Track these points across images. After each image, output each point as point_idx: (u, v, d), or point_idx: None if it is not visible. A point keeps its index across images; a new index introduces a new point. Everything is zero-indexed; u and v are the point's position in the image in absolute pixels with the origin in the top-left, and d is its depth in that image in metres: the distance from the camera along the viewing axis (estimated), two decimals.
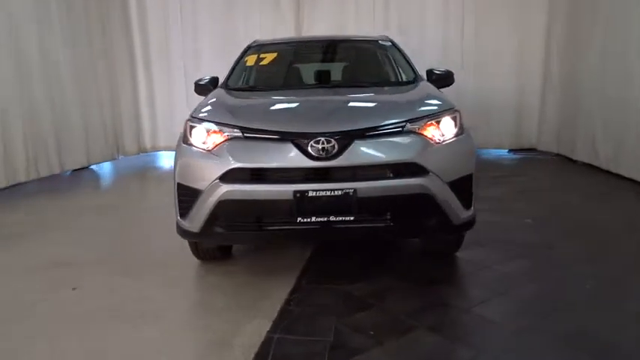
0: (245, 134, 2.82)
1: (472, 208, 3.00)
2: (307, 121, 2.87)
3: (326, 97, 3.43)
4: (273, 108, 3.29)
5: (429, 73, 3.95)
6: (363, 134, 2.75)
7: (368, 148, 2.72)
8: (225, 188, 2.71)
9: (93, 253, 3.80)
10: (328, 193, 2.63)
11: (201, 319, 2.70)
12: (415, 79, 3.77)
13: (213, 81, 3.97)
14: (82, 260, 3.64)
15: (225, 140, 2.82)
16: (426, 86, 3.50)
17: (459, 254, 3.47)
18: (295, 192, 2.63)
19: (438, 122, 2.92)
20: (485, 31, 7.97)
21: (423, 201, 2.73)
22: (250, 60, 4.11)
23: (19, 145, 6.20)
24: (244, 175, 2.74)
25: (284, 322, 2.60)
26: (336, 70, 4.28)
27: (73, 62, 7.17)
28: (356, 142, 2.71)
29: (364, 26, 8.26)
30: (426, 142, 2.80)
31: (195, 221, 2.84)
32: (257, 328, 2.53)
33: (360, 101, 3.30)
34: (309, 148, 2.67)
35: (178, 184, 2.92)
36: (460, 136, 2.95)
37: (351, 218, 2.68)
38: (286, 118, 3.01)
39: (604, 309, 2.69)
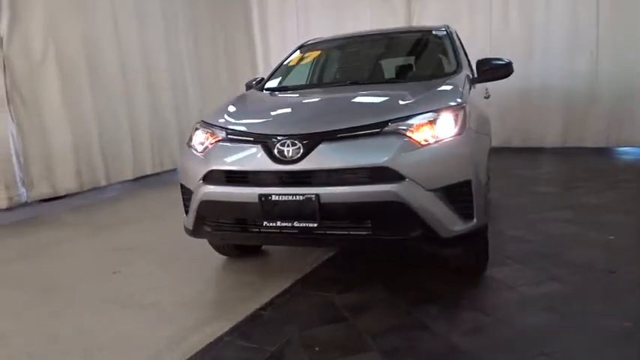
0: (229, 136, 2.86)
1: (474, 219, 2.61)
2: (280, 123, 2.79)
3: (326, 97, 3.29)
4: (265, 109, 3.26)
5: (480, 63, 3.51)
6: (334, 136, 2.57)
7: (336, 151, 2.54)
8: (205, 189, 2.79)
9: (149, 243, 4.20)
10: (291, 198, 2.54)
11: (180, 313, 2.81)
12: (456, 72, 3.38)
13: (260, 82, 4.07)
14: (138, 248, 4.07)
15: (214, 143, 2.90)
16: (450, 80, 3.12)
17: (489, 271, 3.05)
18: (260, 195, 2.59)
19: (432, 122, 2.59)
20: (622, 13, 6.73)
21: (396, 210, 2.46)
22: (294, 60, 4.12)
23: (146, 142, 7.18)
24: (222, 177, 2.77)
25: (246, 326, 2.59)
26: (368, 68, 4.05)
27: (197, 68, 8.02)
28: (323, 144, 2.55)
29: (479, 15, 7.64)
30: (407, 144, 2.50)
31: (189, 219, 2.98)
32: (218, 328, 2.56)
33: (353, 100, 3.09)
34: (275, 151, 2.61)
35: (180, 184, 3.09)
36: (458, 137, 2.57)
37: (315, 225, 2.54)
38: (266, 120, 2.96)
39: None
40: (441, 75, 3.36)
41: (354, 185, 2.49)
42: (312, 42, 4.40)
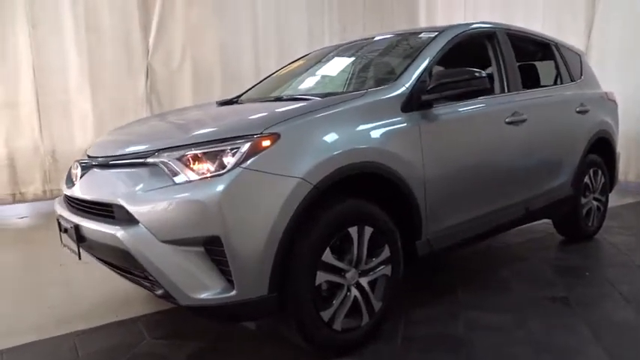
0: None
1: (234, 289, 1.97)
2: (102, 143, 2.64)
3: (195, 114, 2.99)
4: (148, 124, 3.03)
5: (436, 76, 2.56)
6: (105, 163, 2.34)
7: (96, 179, 2.36)
8: (56, 201, 2.82)
9: None
10: (65, 224, 2.40)
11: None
12: (369, 88, 2.71)
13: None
14: None
15: None
16: (317, 101, 2.42)
17: None
18: (57, 217, 2.54)
19: (201, 155, 2.06)
20: None
21: (126, 259, 2.06)
22: (285, 68, 3.76)
23: None
24: None
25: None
26: (308, 81, 3.37)
27: None
28: (92, 170, 2.41)
29: None
30: (155, 181, 2.06)
31: None
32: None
33: (193, 120, 2.72)
34: (72, 172, 2.51)
35: None
36: (214, 178, 1.98)
37: (77, 257, 2.34)
38: (112, 136, 2.81)
39: None
40: (353, 91, 2.66)
41: (97, 222, 2.22)
42: (313, 51, 3.91)
